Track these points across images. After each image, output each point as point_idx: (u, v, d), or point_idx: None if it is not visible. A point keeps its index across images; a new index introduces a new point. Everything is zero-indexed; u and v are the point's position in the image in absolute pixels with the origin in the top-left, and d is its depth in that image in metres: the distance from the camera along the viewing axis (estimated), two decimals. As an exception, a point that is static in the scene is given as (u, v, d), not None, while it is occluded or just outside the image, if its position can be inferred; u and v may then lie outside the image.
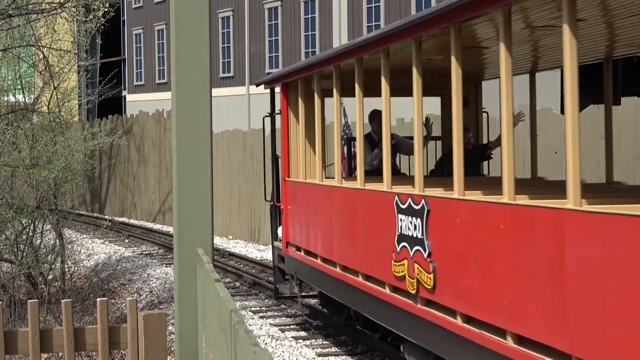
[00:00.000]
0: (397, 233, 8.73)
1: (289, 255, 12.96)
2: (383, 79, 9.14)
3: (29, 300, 5.81)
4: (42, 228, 16.70)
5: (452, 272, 7.63)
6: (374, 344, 11.75)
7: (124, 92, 47.88)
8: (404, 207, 8.56)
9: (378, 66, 9.36)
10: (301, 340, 12.96)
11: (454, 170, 7.55)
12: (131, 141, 31.19)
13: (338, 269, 10.66)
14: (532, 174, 11.01)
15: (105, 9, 19.62)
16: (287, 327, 13.85)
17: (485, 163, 12.32)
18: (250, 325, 13.65)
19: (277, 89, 13.53)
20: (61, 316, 7.79)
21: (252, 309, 15.29)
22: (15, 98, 21.33)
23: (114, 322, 11.88)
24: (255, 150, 23.98)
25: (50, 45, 19.05)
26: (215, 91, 32.28)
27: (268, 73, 37.57)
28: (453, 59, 7.51)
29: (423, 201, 8.10)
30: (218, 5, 38.99)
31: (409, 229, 8.42)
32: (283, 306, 15.50)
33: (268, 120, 14.03)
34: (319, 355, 12.15)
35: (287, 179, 12.95)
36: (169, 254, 21.86)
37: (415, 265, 8.26)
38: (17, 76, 21.04)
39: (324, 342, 12.86)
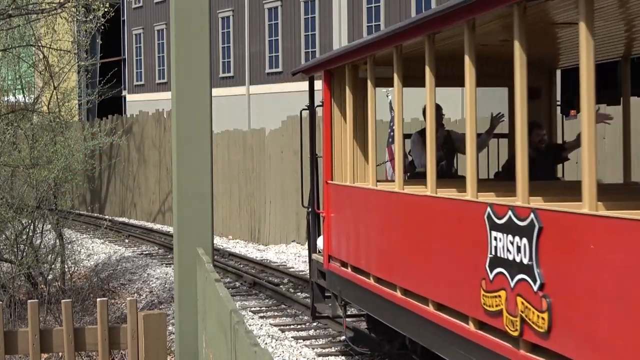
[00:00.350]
0: (489, 255, 6.85)
1: (331, 271, 11.01)
2: (467, 62, 7.18)
3: (29, 300, 5.81)
4: (42, 228, 16.70)
5: (578, 312, 5.84)
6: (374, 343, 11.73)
7: (124, 92, 47.88)
8: (500, 222, 6.72)
9: (455, 48, 7.71)
10: (301, 340, 12.96)
11: (584, 177, 5.75)
12: (131, 141, 31.19)
13: (398, 293, 8.80)
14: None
15: (105, 9, 19.63)
16: (287, 327, 13.85)
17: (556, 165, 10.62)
18: (250, 325, 13.64)
19: (315, 78, 12.07)
20: (61, 316, 7.79)
21: (252, 309, 15.29)
22: (15, 98, 21.33)
23: (114, 322, 11.88)
24: (255, 150, 23.99)
25: (50, 45, 19.05)
26: (215, 91, 32.23)
27: (268, 73, 37.62)
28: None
29: (532, 216, 6.28)
30: (218, 5, 38.99)
31: (508, 251, 6.61)
32: (283, 306, 15.50)
33: (307, 114, 12.52)
34: (319, 355, 12.15)
35: (329, 182, 11.07)
36: (169, 254, 21.86)
37: (519, 300, 6.48)
38: (17, 76, 21.05)
39: (324, 342, 12.86)
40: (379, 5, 31.27)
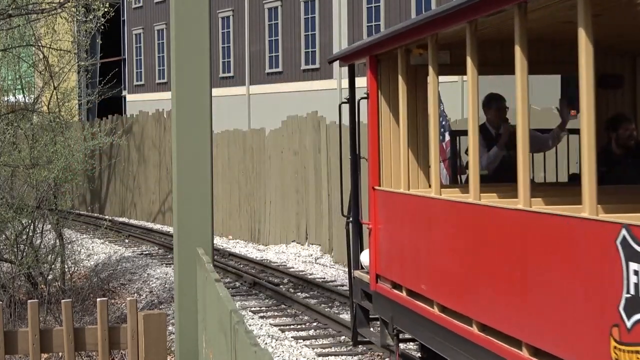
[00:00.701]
0: (625, 295, 5.20)
1: (379, 293, 9.26)
2: (583, 39, 5.45)
3: (29, 300, 5.80)
4: (42, 228, 16.70)
5: None
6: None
7: (124, 92, 47.88)
8: None
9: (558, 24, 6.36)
10: (301, 340, 12.96)
11: None
12: (131, 141, 31.19)
13: (475, 329, 7.06)
14: None
15: (105, 9, 19.63)
16: (287, 327, 13.85)
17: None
18: (250, 325, 13.64)
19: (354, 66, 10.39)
20: (61, 316, 7.79)
21: (252, 309, 15.29)
22: (15, 98, 21.34)
23: (114, 322, 11.88)
24: (255, 150, 24.00)
25: (50, 45, 19.05)
26: (215, 91, 32.22)
27: (268, 73, 37.58)
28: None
29: None
30: (218, 5, 38.99)
31: None
32: (283, 306, 15.50)
33: (346, 108, 10.41)
34: (319, 355, 12.15)
35: (377, 188, 9.33)
36: (169, 254, 21.86)
37: None
38: (17, 76, 21.05)
39: (324, 342, 12.86)
40: (379, 5, 31.26)
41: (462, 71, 7.37)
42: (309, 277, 17.84)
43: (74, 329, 5.79)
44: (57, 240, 16.74)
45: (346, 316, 14.29)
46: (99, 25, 19.82)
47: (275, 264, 19.82)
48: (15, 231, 16.16)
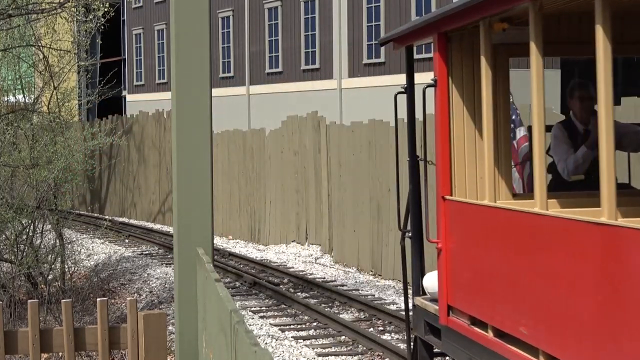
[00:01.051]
0: None
1: (452, 329, 7.44)
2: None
3: (29, 300, 5.81)
4: (42, 228, 16.70)
5: None
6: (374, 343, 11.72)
7: (124, 92, 47.89)
8: None
9: None
10: (301, 340, 12.96)
11: None
12: (131, 141, 31.20)
13: None
14: None
15: (105, 9, 19.66)
16: (287, 327, 13.85)
17: None
18: (250, 325, 13.64)
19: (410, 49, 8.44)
20: (61, 316, 7.79)
21: (252, 309, 15.29)
22: (15, 98, 21.35)
23: (114, 322, 11.88)
24: (255, 150, 24.00)
25: (50, 45, 19.06)
26: (215, 91, 32.28)
27: (268, 73, 37.58)
28: None
29: None
30: (218, 5, 39.00)
31: None
32: (283, 306, 15.50)
33: (402, 100, 8.37)
34: (319, 355, 12.15)
35: (448, 198, 7.43)
36: (169, 254, 21.87)
37: None
38: (17, 76, 21.06)
39: (324, 342, 12.86)
40: (379, 5, 31.27)
41: (575, 50, 6.08)
42: (309, 277, 17.85)
43: (74, 329, 5.79)
44: (57, 240, 16.74)
45: (346, 316, 14.30)
46: (99, 25, 19.84)
47: (275, 264, 19.82)
48: (15, 231, 16.17)
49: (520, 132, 8.95)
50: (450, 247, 7.42)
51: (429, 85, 7.50)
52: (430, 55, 8.41)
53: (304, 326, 13.89)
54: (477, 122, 7.18)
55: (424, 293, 8.10)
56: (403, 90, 8.32)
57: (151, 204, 30.46)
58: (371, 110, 27.02)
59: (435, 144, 7.54)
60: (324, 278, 17.85)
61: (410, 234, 8.36)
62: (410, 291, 8.49)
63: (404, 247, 8.56)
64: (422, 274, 8.23)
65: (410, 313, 8.50)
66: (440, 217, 7.51)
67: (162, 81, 44.91)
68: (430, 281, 7.98)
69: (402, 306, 14.97)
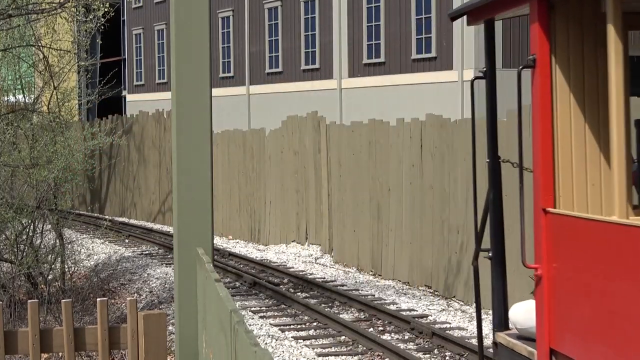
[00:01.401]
0: None
1: None
2: None
3: (29, 300, 5.80)
4: (42, 228, 16.71)
5: None
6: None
7: (124, 92, 47.89)
8: None
9: None
10: (301, 340, 12.96)
11: None
12: (131, 141, 31.20)
13: None
14: None
15: (105, 9, 19.66)
16: (287, 327, 13.85)
17: None
18: (250, 325, 13.64)
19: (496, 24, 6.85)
20: (61, 316, 7.79)
21: (252, 309, 15.29)
22: (15, 98, 21.35)
23: (114, 322, 11.88)
24: (255, 150, 24.00)
25: (50, 45, 19.06)
26: (215, 91, 32.29)
27: (268, 73, 37.58)
28: None
29: None
30: (218, 5, 39.00)
31: None
32: (283, 306, 15.50)
33: (479, 86, 6.90)
34: (319, 355, 12.15)
35: (551, 210, 5.76)
36: (169, 254, 21.87)
37: None
38: (17, 76, 21.07)
39: (324, 342, 12.86)
40: (379, 5, 31.26)
41: None
42: (309, 277, 17.85)
43: (74, 329, 5.79)
44: (57, 240, 16.74)
45: (346, 316, 14.29)
46: (99, 25, 19.85)
47: (275, 264, 19.82)
48: (15, 231, 16.17)
49: None
50: (554, 274, 5.80)
51: (526, 67, 5.85)
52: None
53: (304, 326, 13.89)
54: (590, 113, 5.74)
55: (507, 327, 6.65)
56: (481, 74, 6.75)
57: (151, 204, 30.47)
58: (371, 110, 27.03)
59: (532, 142, 5.92)
60: (324, 278, 17.85)
61: (490, 254, 6.75)
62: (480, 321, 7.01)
63: (476, 267, 6.93)
64: (505, 304, 6.69)
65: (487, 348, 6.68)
66: (541, 235, 5.86)
67: (162, 81, 44.92)
68: (521, 314, 6.41)
69: (402, 306, 15.00)
